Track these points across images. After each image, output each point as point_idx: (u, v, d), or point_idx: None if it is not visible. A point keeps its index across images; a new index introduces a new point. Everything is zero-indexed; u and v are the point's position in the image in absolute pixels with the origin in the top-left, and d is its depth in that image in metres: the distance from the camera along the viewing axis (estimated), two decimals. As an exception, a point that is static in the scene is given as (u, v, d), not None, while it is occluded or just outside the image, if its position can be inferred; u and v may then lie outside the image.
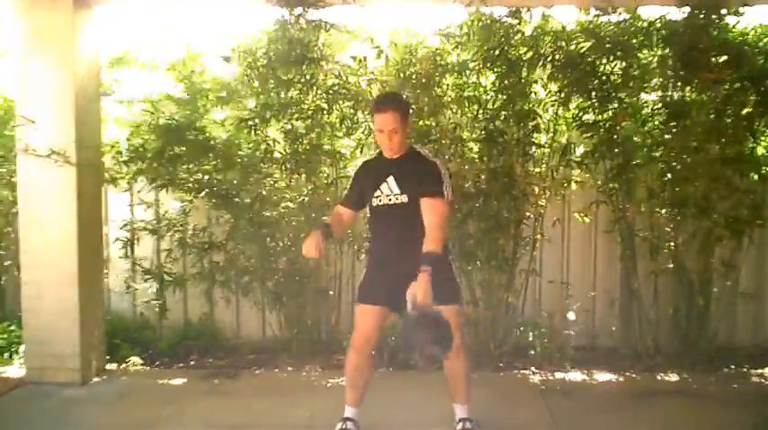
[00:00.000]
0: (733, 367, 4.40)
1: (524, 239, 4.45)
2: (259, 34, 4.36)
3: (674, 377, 4.23)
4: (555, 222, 4.61)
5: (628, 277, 4.57)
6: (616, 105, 4.16)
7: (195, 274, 4.47)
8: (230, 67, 4.44)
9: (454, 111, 4.34)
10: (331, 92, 4.23)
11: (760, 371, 4.36)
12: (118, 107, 4.75)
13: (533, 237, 4.49)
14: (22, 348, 4.33)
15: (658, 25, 4.12)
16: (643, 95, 4.29)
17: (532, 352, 4.41)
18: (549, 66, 4.17)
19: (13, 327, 4.69)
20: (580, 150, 4.47)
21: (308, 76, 4.20)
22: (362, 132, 4.34)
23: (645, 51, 4.19)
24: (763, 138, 4.34)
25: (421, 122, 4.25)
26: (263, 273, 4.47)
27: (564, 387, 4.07)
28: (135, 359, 4.49)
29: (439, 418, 3.34)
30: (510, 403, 3.76)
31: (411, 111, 3.23)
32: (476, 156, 4.37)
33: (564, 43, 4.16)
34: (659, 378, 4.22)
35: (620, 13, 4.08)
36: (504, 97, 4.24)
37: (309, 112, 4.24)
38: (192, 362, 4.55)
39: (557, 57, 4.14)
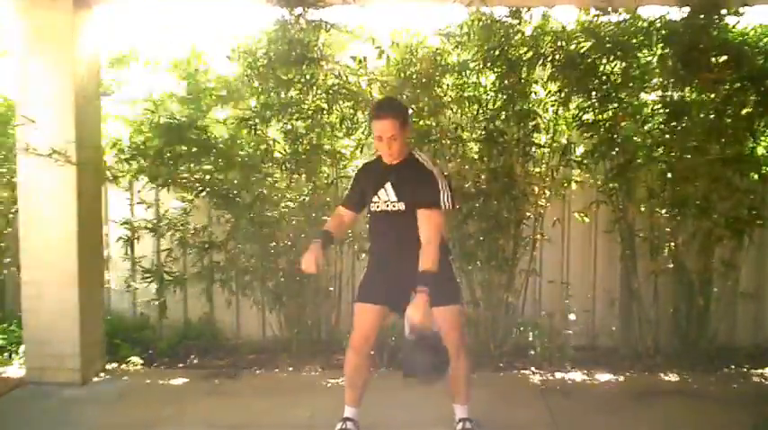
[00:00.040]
0: (733, 367, 4.40)
1: (524, 239, 4.45)
2: (259, 34, 4.36)
3: (674, 377, 4.23)
4: (555, 222, 4.62)
5: (628, 277, 4.57)
6: (616, 105, 4.16)
7: (195, 274, 4.47)
8: (232, 66, 4.45)
9: (454, 111, 4.33)
10: (331, 92, 4.23)
11: (760, 371, 4.37)
12: (120, 106, 4.75)
13: (533, 237, 4.49)
14: (22, 348, 4.33)
15: (658, 25, 4.11)
16: (643, 95, 4.29)
17: (532, 352, 4.41)
18: (549, 66, 4.18)
19: (13, 327, 4.69)
20: (580, 150, 4.47)
21: (308, 76, 4.20)
22: (362, 132, 4.34)
23: (645, 51, 4.19)
24: (763, 138, 4.34)
25: (421, 122, 4.26)
26: (263, 272, 4.47)
27: (564, 387, 4.07)
28: (135, 359, 4.49)
29: (439, 418, 3.34)
30: (510, 403, 3.76)
31: (410, 116, 3.19)
32: (476, 156, 4.37)
33: (564, 43, 4.16)
34: (659, 378, 4.22)
35: (620, 13, 4.08)
36: (505, 97, 4.24)
37: (309, 112, 4.24)
38: (192, 363, 4.55)
39: (557, 57, 4.14)
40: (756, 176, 4.26)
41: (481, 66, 4.21)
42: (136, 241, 4.49)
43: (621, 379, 4.21)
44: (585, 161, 4.37)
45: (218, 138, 4.37)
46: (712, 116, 4.12)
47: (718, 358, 4.38)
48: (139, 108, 4.55)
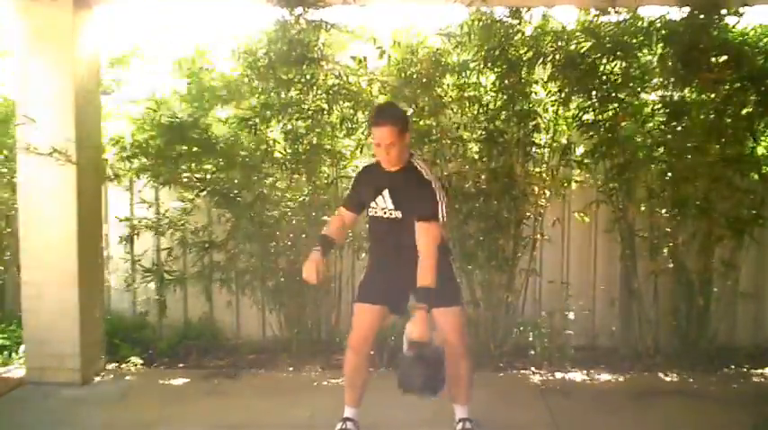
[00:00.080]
0: (733, 367, 4.40)
1: (524, 239, 4.45)
2: (259, 34, 4.36)
3: (674, 377, 4.23)
4: (555, 222, 4.62)
5: (628, 277, 4.57)
6: (616, 105, 4.16)
7: (195, 273, 4.47)
8: (233, 65, 4.45)
9: (455, 111, 4.33)
10: (331, 92, 4.23)
11: (760, 371, 4.37)
12: (123, 104, 4.76)
13: (533, 237, 4.49)
14: (22, 348, 4.33)
15: (658, 25, 4.11)
16: (643, 95, 4.29)
17: (532, 352, 4.41)
18: (549, 66, 4.18)
19: (13, 327, 4.68)
20: (580, 150, 4.47)
21: (308, 76, 4.20)
22: (362, 132, 4.34)
23: (645, 51, 4.19)
24: (763, 137, 4.35)
25: (422, 122, 4.26)
26: (263, 272, 4.47)
27: (564, 387, 4.07)
28: (135, 359, 4.49)
29: (439, 418, 3.34)
30: (510, 403, 3.76)
31: (410, 122, 3.12)
32: (476, 156, 4.37)
33: (564, 43, 4.16)
34: (659, 378, 4.22)
35: (620, 13, 4.08)
36: (505, 97, 4.24)
37: (310, 113, 4.24)
38: (192, 362, 4.54)
39: (557, 57, 4.14)
40: (756, 176, 4.26)
41: (481, 66, 4.22)
42: (136, 238, 4.49)
43: (621, 379, 4.21)
44: (585, 161, 4.37)
45: (220, 138, 4.36)
46: (712, 116, 4.12)
47: (718, 358, 4.38)
48: (142, 106, 4.55)
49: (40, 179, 3.92)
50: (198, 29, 4.86)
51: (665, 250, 4.40)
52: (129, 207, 4.76)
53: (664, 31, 4.11)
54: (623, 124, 4.19)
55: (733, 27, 4.14)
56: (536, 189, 4.37)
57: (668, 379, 4.21)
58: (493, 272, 4.42)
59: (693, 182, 4.14)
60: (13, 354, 4.48)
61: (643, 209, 4.37)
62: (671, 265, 4.40)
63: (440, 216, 2.93)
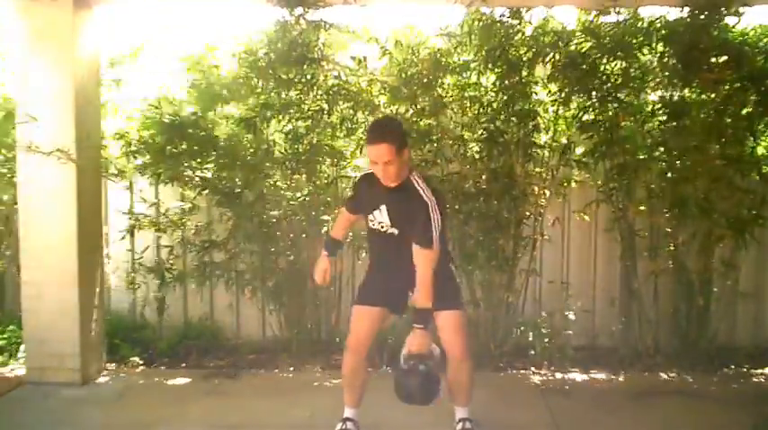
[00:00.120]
0: (733, 367, 4.41)
1: (524, 239, 4.45)
2: (260, 34, 4.36)
3: (674, 377, 4.23)
4: (554, 221, 4.62)
5: (628, 277, 4.57)
6: (616, 105, 4.16)
7: (195, 272, 4.46)
8: (234, 65, 4.45)
9: (455, 111, 4.33)
10: (331, 92, 4.23)
11: (760, 371, 4.37)
12: (128, 101, 4.76)
13: (533, 237, 4.49)
14: (22, 348, 4.33)
15: (658, 25, 4.11)
16: (643, 95, 4.29)
17: (532, 352, 4.41)
18: (549, 66, 4.18)
19: (13, 327, 4.68)
20: (580, 150, 4.47)
21: (308, 76, 4.20)
22: (362, 132, 4.34)
23: (645, 51, 4.19)
24: (763, 137, 4.34)
25: (422, 122, 4.26)
26: (263, 272, 4.47)
27: (564, 387, 4.07)
28: (135, 359, 4.49)
29: (439, 418, 3.34)
30: (510, 403, 3.76)
31: (407, 138, 3.03)
32: (476, 155, 4.37)
33: (564, 43, 4.16)
34: (659, 378, 4.23)
35: (620, 13, 4.08)
36: (505, 97, 4.24)
37: (310, 113, 4.24)
38: (192, 363, 4.54)
39: (557, 57, 4.14)
40: (756, 176, 4.26)
41: (482, 66, 4.21)
42: (137, 234, 4.49)
43: (621, 379, 4.21)
44: (585, 160, 4.37)
45: (222, 137, 4.36)
46: (712, 116, 4.11)
47: (718, 358, 4.38)
48: (147, 104, 4.55)
49: (39, 179, 3.92)
50: (198, 29, 4.86)
51: (665, 250, 4.40)
52: (129, 206, 4.75)
53: (664, 31, 4.11)
54: (623, 124, 4.19)
55: (733, 27, 4.14)
56: (536, 189, 4.37)
57: (668, 379, 4.22)
58: (493, 272, 4.42)
59: (693, 182, 4.14)
60: (14, 354, 4.48)
61: (643, 209, 4.36)
62: (671, 265, 4.40)
63: (435, 244, 2.86)
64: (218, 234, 4.51)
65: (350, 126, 4.32)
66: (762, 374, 4.33)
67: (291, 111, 4.24)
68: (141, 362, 4.49)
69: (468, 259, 4.38)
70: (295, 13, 4.13)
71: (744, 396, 3.90)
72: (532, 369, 4.33)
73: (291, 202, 4.42)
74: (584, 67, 4.10)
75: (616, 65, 4.16)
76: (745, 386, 4.13)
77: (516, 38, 4.19)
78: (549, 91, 4.31)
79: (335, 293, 4.64)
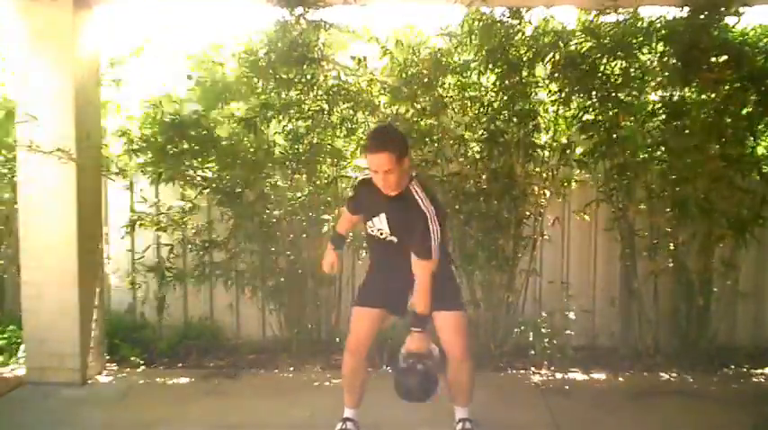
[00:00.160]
0: (733, 367, 4.41)
1: (524, 239, 4.45)
2: (260, 34, 4.36)
3: (674, 377, 4.23)
4: (554, 221, 4.62)
5: (628, 277, 4.57)
6: (616, 105, 4.16)
7: (195, 272, 4.47)
8: (235, 65, 4.46)
9: (456, 111, 4.33)
10: (331, 92, 4.23)
11: (760, 371, 4.37)
12: (130, 100, 4.77)
13: (533, 237, 4.49)
14: (22, 348, 4.33)
15: (658, 25, 4.11)
16: (643, 95, 4.29)
17: (532, 352, 4.41)
18: (549, 65, 4.18)
19: (13, 327, 4.68)
20: (580, 150, 4.46)
21: (308, 76, 4.21)
22: (362, 132, 4.35)
23: (645, 51, 4.19)
24: (763, 137, 4.34)
25: (423, 122, 4.26)
26: (263, 272, 4.47)
27: (564, 387, 4.07)
28: (135, 359, 4.49)
29: (439, 418, 3.34)
30: (510, 403, 3.76)
31: (408, 146, 3.00)
32: (477, 155, 4.36)
33: (564, 43, 4.15)
34: (659, 378, 4.23)
35: (620, 13, 4.08)
36: (506, 97, 4.24)
37: (310, 113, 4.24)
38: (192, 363, 4.54)
39: (557, 57, 4.14)
40: (757, 176, 4.26)
41: (482, 66, 4.21)
42: (137, 234, 4.48)
43: (621, 379, 4.21)
44: (585, 160, 4.36)
45: (223, 136, 4.36)
46: (712, 116, 4.11)
47: (718, 358, 4.38)
48: (148, 102, 4.55)
49: (40, 179, 3.93)
50: (198, 29, 4.87)
51: (665, 250, 4.40)
52: (129, 206, 4.75)
53: (664, 31, 4.11)
54: (623, 124, 4.19)
55: (733, 27, 4.14)
56: (536, 189, 4.37)
57: (668, 379, 4.21)
58: (493, 272, 4.42)
59: (693, 182, 4.14)
60: (13, 354, 4.48)
61: (643, 208, 4.36)
62: (671, 265, 4.40)
63: (433, 255, 2.85)
64: (218, 233, 4.52)
65: (350, 126, 4.32)
66: (762, 374, 4.33)
67: (292, 111, 4.24)
68: (141, 362, 4.49)
69: (469, 259, 4.38)
70: (295, 13, 4.14)
71: (744, 396, 3.90)
72: (532, 369, 4.33)
73: (292, 202, 4.42)
74: (584, 67, 4.10)
75: (616, 65, 4.16)
76: (745, 386, 4.13)
77: (516, 38, 4.19)
78: (550, 91, 4.31)
79: (335, 293, 4.64)
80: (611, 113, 4.18)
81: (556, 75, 4.18)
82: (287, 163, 4.35)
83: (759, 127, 4.24)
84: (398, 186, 2.88)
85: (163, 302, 4.55)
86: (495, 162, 4.34)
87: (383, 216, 2.97)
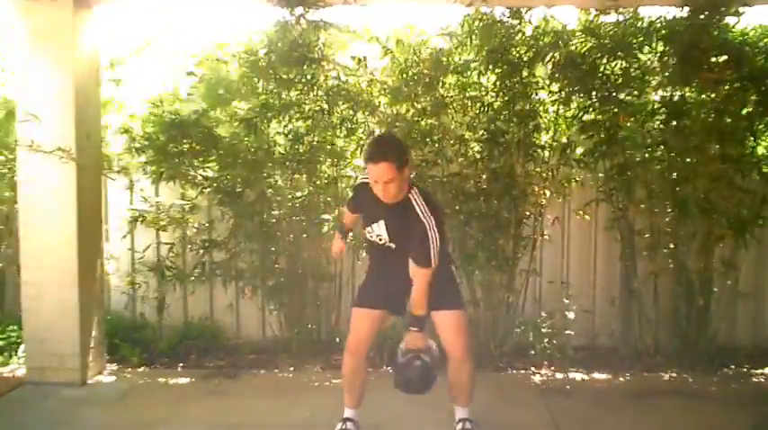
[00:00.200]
0: (733, 367, 4.40)
1: (524, 239, 4.45)
2: (260, 34, 4.37)
3: (673, 377, 4.23)
4: (554, 221, 4.62)
5: (628, 277, 4.57)
6: (616, 105, 4.16)
7: (195, 271, 4.46)
8: (235, 65, 4.46)
9: (456, 110, 4.33)
10: (331, 92, 4.23)
11: (760, 371, 4.37)
12: (131, 98, 4.77)
13: (533, 236, 4.49)
14: (22, 348, 4.33)
15: (658, 25, 4.11)
16: (643, 95, 4.29)
17: (532, 352, 4.41)
18: (549, 66, 4.18)
19: (13, 327, 4.68)
20: (580, 150, 4.47)
21: (308, 77, 4.21)
22: (362, 132, 4.35)
23: (645, 51, 4.19)
24: (763, 137, 4.34)
25: (423, 122, 4.26)
26: (263, 272, 4.47)
27: (564, 387, 4.07)
28: (135, 359, 4.49)
29: (439, 418, 3.34)
30: (510, 403, 3.76)
31: (409, 155, 2.98)
32: (477, 155, 4.36)
33: (564, 43, 4.15)
34: (659, 378, 4.22)
35: (620, 13, 4.08)
36: (506, 97, 4.24)
37: (311, 113, 4.24)
38: (192, 363, 4.54)
39: (557, 57, 4.14)
40: (757, 176, 4.26)
41: (483, 66, 4.21)
42: (137, 234, 4.48)
43: (621, 379, 4.21)
44: (585, 159, 4.36)
45: (224, 136, 4.36)
46: (712, 116, 4.12)
47: (718, 358, 4.38)
48: (150, 101, 4.55)
49: (40, 178, 3.92)
50: (198, 29, 4.87)
51: (665, 250, 4.40)
52: (129, 203, 4.75)
53: (664, 31, 4.11)
54: (623, 124, 4.19)
55: (733, 27, 4.14)
56: (536, 189, 4.37)
57: (668, 379, 4.21)
58: (493, 272, 4.41)
59: (693, 182, 4.14)
60: (13, 354, 4.48)
61: (643, 208, 4.36)
62: (671, 265, 4.40)
63: (432, 263, 2.86)
64: (218, 233, 4.52)
65: (350, 126, 4.32)
66: (762, 374, 4.33)
67: (292, 111, 4.24)
68: (141, 362, 4.49)
69: (469, 259, 4.37)
70: (295, 14, 4.14)
71: (744, 396, 3.90)
72: (532, 369, 4.33)
73: (292, 202, 4.42)
74: (585, 67, 4.10)
75: (616, 65, 4.16)
76: (745, 386, 4.13)
77: (517, 38, 4.19)
78: (550, 91, 4.30)
79: (335, 293, 4.64)
80: (611, 113, 4.18)
81: (556, 75, 4.18)
82: (287, 163, 4.35)
83: (759, 127, 4.24)
84: (398, 195, 2.87)
85: (163, 302, 4.55)
86: (495, 162, 4.34)
87: (382, 223, 2.98)
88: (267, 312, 4.66)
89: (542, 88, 4.32)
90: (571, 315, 4.51)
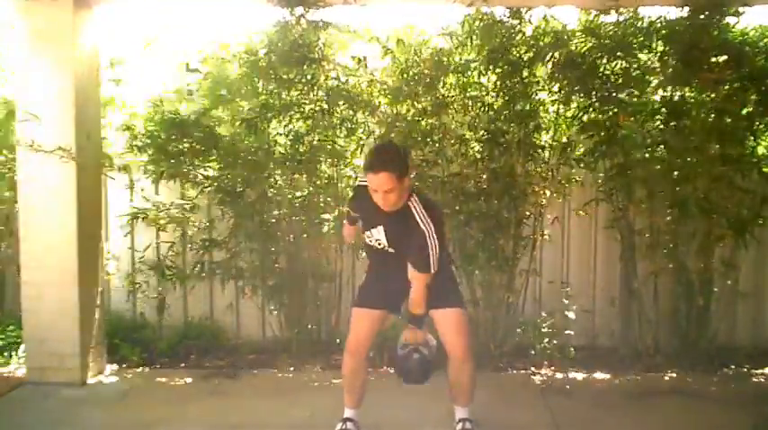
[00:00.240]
0: (733, 367, 4.40)
1: (524, 239, 4.45)
2: (261, 35, 4.36)
3: (674, 377, 4.23)
4: (554, 220, 4.61)
5: (628, 277, 4.57)
6: (616, 105, 4.16)
7: (195, 272, 4.46)
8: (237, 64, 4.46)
9: (457, 110, 4.33)
10: (331, 92, 4.23)
11: (760, 371, 4.37)
12: (132, 97, 4.77)
13: (533, 236, 4.49)
14: (22, 348, 4.33)
15: (659, 25, 4.11)
16: (643, 95, 4.29)
17: (532, 352, 4.41)
18: (549, 65, 4.17)
19: (13, 327, 4.68)
20: (580, 150, 4.46)
21: (309, 77, 4.21)
22: (362, 132, 4.35)
23: (645, 51, 4.19)
24: (763, 137, 4.34)
25: (424, 122, 4.26)
26: (263, 272, 4.47)
27: (564, 387, 4.07)
28: (135, 359, 4.49)
29: (439, 418, 3.34)
30: (510, 403, 3.76)
31: (410, 163, 2.97)
32: (477, 155, 4.36)
33: (565, 43, 4.15)
34: (659, 378, 4.22)
35: (620, 13, 4.08)
36: (507, 97, 4.24)
37: (311, 113, 4.24)
38: (192, 363, 4.54)
39: (557, 57, 4.14)
40: (757, 176, 4.26)
41: (483, 66, 4.21)
42: (138, 234, 4.48)
43: (621, 379, 4.21)
44: (585, 158, 4.35)
45: (225, 136, 4.36)
46: (712, 116, 4.12)
47: (718, 358, 4.38)
48: (151, 100, 4.55)
49: (40, 178, 3.92)
50: (198, 29, 4.87)
51: (665, 250, 4.40)
52: (130, 201, 4.75)
53: (664, 31, 4.11)
54: (623, 124, 4.19)
55: (733, 27, 4.14)
56: (536, 189, 4.37)
57: (668, 379, 4.21)
58: (493, 272, 4.41)
59: (693, 182, 4.14)
60: (14, 354, 4.48)
61: (643, 207, 4.36)
62: (671, 265, 4.40)
63: (431, 270, 2.88)
64: (219, 232, 4.51)
65: (350, 126, 4.32)
66: (762, 374, 4.33)
67: (292, 111, 4.24)
68: (141, 362, 4.49)
69: (469, 259, 4.37)
70: (295, 14, 4.14)
71: (744, 396, 3.90)
72: (532, 369, 4.33)
73: (293, 202, 4.42)
74: (585, 67, 4.10)
75: (616, 65, 4.16)
76: (745, 386, 4.13)
77: (517, 38, 4.19)
78: (550, 91, 4.30)
79: (335, 293, 4.64)
80: (611, 113, 4.18)
81: (556, 75, 4.18)
82: (287, 163, 4.35)
83: (759, 127, 4.24)
84: (397, 204, 2.87)
85: (163, 302, 4.54)
86: (495, 162, 4.34)
87: (381, 229, 2.98)
88: (267, 312, 4.66)
89: (542, 88, 4.31)
90: (571, 315, 4.51)
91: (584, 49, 4.15)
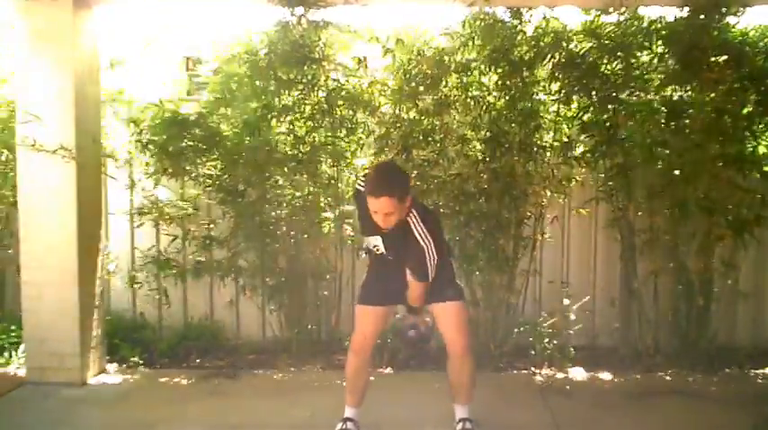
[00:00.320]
0: (733, 367, 4.40)
1: (525, 239, 4.45)
2: (261, 35, 4.36)
3: (674, 377, 4.23)
4: (553, 219, 4.61)
5: (628, 277, 4.57)
6: (616, 105, 4.16)
7: (195, 271, 4.46)
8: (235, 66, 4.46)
9: (458, 110, 4.33)
10: (332, 92, 4.23)
11: (760, 371, 4.37)
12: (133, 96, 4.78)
13: (534, 237, 4.49)
14: (22, 348, 4.33)
15: (658, 25, 4.12)
16: (643, 95, 4.29)
17: (532, 352, 4.41)
18: (550, 65, 4.18)
19: (13, 327, 4.68)
20: (581, 150, 4.46)
21: (309, 77, 4.21)
22: (362, 132, 4.35)
23: (645, 51, 4.19)
24: (763, 137, 4.34)
25: (425, 122, 4.26)
26: (263, 272, 4.47)
27: (564, 387, 4.07)
28: (135, 359, 4.49)
29: (439, 418, 3.34)
30: (510, 403, 3.76)
31: (410, 185, 2.95)
32: (478, 155, 4.36)
33: (565, 43, 4.15)
34: (659, 378, 4.22)
35: (620, 13, 4.08)
36: (507, 97, 4.24)
37: (312, 113, 4.24)
38: (192, 363, 4.54)
39: (558, 57, 4.14)
40: (757, 175, 4.26)
41: (484, 66, 4.21)
42: (137, 234, 4.47)
43: (621, 379, 4.21)
44: (586, 158, 4.35)
45: (227, 135, 4.36)
46: (713, 116, 4.11)
47: (718, 358, 4.38)
48: (154, 100, 4.54)
49: (40, 178, 3.92)
50: (198, 29, 4.87)
51: (665, 250, 4.40)
52: (130, 200, 4.75)
53: (664, 31, 4.11)
54: (623, 124, 4.19)
55: (733, 27, 4.14)
56: (537, 189, 4.36)
57: (668, 379, 4.21)
58: (493, 272, 4.41)
59: (693, 181, 4.14)
60: (14, 354, 4.48)
61: (643, 208, 4.36)
62: (671, 265, 4.40)
63: (429, 279, 2.94)
64: (219, 231, 4.51)
65: (350, 126, 4.32)
66: (762, 374, 4.33)
67: (293, 111, 4.24)
68: (141, 362, 4.49)
69: (469, 259, 4.37)
70: (296, 14, 4.14)
71: (744, 396, 3.90)
72: (532, 369, 4.33)
73: (293, 202, 4.42)
74: (585, 66, 4.10)
75: (616, 65, 4.16)
76: (745, 386, 4.13)
77: (518, 38, 4.19)
78: (550, 91, 4.30)
79: (335, 293, 4.64)
80: (611, 113, 4.18)
81: (557, 74, 4.18)
82: (288, 163, 4.35)
83: (759, 127, 4.24)
84: (397, 222, 2.85)
85: (165, 293, 4.53)
86: (496, 162, 4.34)
87: (379, 238, 3.00)
88: (267, 312, 4.66)
89: (543, 88, 4.31)
90: (571, 315, 4.51)
91: (585, 49, 4.15)
